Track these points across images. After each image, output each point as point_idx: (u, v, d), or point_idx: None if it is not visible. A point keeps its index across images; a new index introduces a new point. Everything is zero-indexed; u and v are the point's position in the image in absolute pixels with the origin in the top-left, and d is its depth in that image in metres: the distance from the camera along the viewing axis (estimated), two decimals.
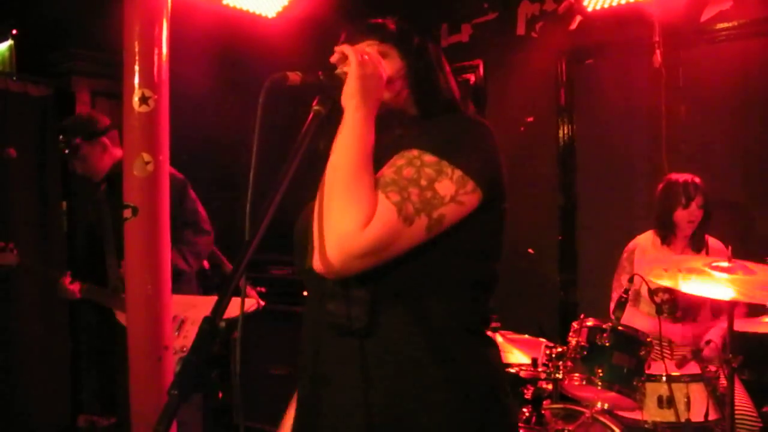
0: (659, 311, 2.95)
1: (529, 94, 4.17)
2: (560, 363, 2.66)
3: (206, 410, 3.10)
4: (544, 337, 2.93)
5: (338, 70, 1.26)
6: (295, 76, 1.19)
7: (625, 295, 2.68)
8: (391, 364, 1.25)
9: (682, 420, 2.55)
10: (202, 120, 4.43)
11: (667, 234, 3.10)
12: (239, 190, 4.61)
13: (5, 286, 3.94)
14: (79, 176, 3.21)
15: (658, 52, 3.56)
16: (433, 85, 1.39)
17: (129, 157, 2.25)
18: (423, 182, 1.19)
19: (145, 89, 2.22)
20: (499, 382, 1.35)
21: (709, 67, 3.61)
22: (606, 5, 3.53)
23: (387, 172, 1.22)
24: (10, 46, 4.37)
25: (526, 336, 3.06)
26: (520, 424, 2.61)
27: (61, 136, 3.08)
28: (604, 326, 2.57)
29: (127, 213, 2.24)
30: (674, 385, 2.58)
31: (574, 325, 2.70)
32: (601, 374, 2.52)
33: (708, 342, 2.85)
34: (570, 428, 2.63)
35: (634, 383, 2.52)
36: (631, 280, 2.72)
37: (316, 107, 1.21)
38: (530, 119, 4.18)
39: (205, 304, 2.91)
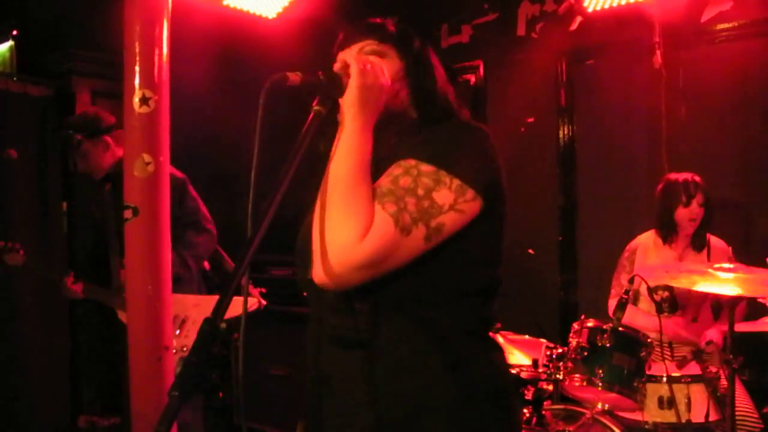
0: (659, 309, 2.95)
1: (530, 94, 4.18)
2: (561, 364, 2.66)
3: (207, 411, 3.10)
4: (544, 338, 2.93)
5: (339, 70, 1.26)
6: (295, 77, 1.19)
7: (625, 296, 2.68)
8: (396, 374, 1.24)
9: (683, 421, 2.54)
10: (202, 120, 4.43)
11: (668, 233, 3.10)
12: (239, 190, 4.60)
13: (5, 285, 3.94)
14: (79, 176, 3.21)
15: (658, 52, 3.56)
16: (432, 87, 1.39)
17: (129, 157, 2.25)
18: (420, 192, 1.18)
19: (146, 90, 2.22)
20: (505, 385, 1.35)
21: (710, 68, 3.61)
22: (606, 6, 3.53)
23: (383, 182, 1.21)
24: (10, 47, 4.37)
25: (527, 337, 3.06)
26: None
27: (65, 131, 3.08)
28: (604, 327, 2.57)
29: (128, 214, 2.24)
30: (675, 386, 2.58)
31: (575, 325, 2.70)
32: (601, 375, 2.52)
33: (709, 342, 2.85)
34: (570, 429, 2.63)
35: (635, 384, 2.52)
36: (631, 281, 2.72)
37: (316, 107, 1.21)
38: (530, 120, 4.18)
39: (207, 303, 2.91)
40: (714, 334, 2.89)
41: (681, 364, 2.71)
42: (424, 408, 1.24)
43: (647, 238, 3.19)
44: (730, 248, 3.10)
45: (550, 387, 2.78)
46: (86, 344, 4.33)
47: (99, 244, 3.16)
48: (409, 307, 1.25)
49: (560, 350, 2.71)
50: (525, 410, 2.72)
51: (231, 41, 4.24)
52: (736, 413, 2.47)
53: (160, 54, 2.26)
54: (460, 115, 1.41)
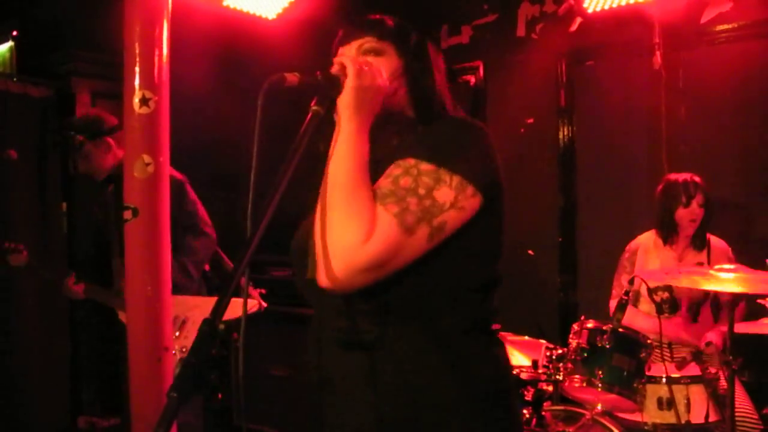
0: (659, 310, 2.95)
1: (530, 95, 4.18)
2: (560, 365, 2.66)
3: (206, 412, 3.10)
4: (544, 339, 2.93)
5: (336, 70, 1.26)
6: (292, 78, 1.19)
7: (625, 297, 2.68)
8: (398, 374, 1.24)
9: (683, 422, 2.55)
10: (202, 121, 4.43)
11: (668, 234, 3.10)
12: (239, 191, 4.61)
13: (6, 286, 3.95)
14: (80, 176, 3.22)
15: (658, 53, 3.56)
16: (430, 86, 1.39)
17: (129, 158, 2.25)
18: (421, 191, 1.18)
19: (146, 91, 2.22)
20: (506, 384, 1.35)
21: (709, 69, 3.61)
22: (606, 7, 3.53)
23: (384, 183, 1.21)
24: (10, 48, 4.38)
25: (527, 338, 3.06)
26: None
27: (66, 133, 3.08)
28: (604, 328, 2.57)
29: (127, 214, 2.24)
30: (674, 387, 2.58)
31: (575, 326, 2.70)
32: (601, 376, 2.52)
33: (708, 343, 2.85)
34: (570, 430, 2.63)
35: (635, 385, 2.52)
36: (631, 282, 2.72)
37: (314, 107, 1.20)
38: (530, 120, 4.18)
39: (207, 304, 2.91)
40: (713, 335, 2.89)
41: (680, 365, 2.71)
42: (424, 408, 1.24)
43: (647, 239, 3.19)
44: (730, 248, 3.10)
45: (550, 388, 2.78)
46: (86, 345, 4.33)
47: (101, 245, 3.16)
48: (411, 306, 1.25)
49: (560, 351, 2.71)
50: (525, 411, 2.72)
51: (231, 42, 4.24)
52: (736, 414, 2.47)
53: (160, 55, 2.26)
54: (457, 112, 1.41)
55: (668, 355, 2.99)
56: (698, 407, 2.56)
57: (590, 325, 2.63)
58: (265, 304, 3.07)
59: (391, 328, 1.24)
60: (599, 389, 2.52)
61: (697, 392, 2.60)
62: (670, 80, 3.64)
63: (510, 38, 4.20)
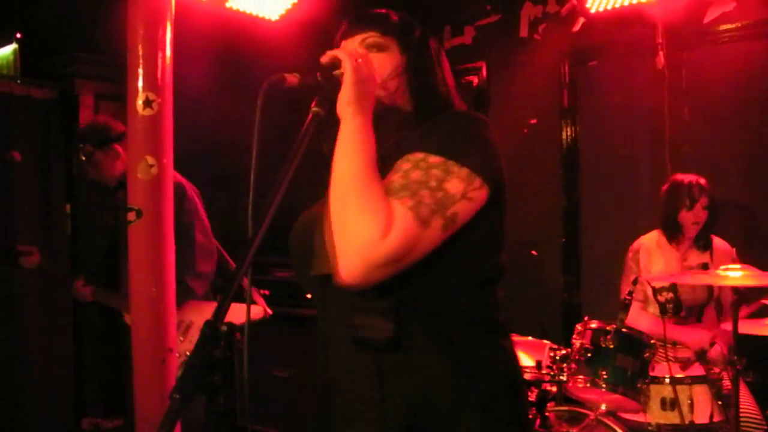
0: (663, 311, 2.95)
1: (532, 95, 4.17)
2: (564, 365, 2.66)
3: (209, 413, 3.10)
4: (547, 340, 2.92)
5: (336, 72, 1.26)
6: (292, 78, 1.19)
7: (629, 297, 2.67)
8: (407, 371, 1.25)
9: (686, 422, 2.54)
10: (205, 122, 4.44)
11: (672, 235, 3.10)
12: (241, 191, 4.61)
13: (9, 286, 3.96)
14: (87, 180, 3.22)
15: (661, 53, 3.55)
16: (431, 83, 1.39)
17: (133, 160, 2.26)
18: (432, 183, 1.19)
19: (149, 92, 2.22)
20: (513, 384, 1.36)
21: (712, 69, 3.61)
22: (609, 7, 3.53)
23: (395, 177, 1.21)
24: (14, 50, 4.38)
25: (530, 338, 3.06)
26: None
27: (76, 143, 3.10)
28: (607, 328, 2.57)
29: (131, 216, 2.24)
30: (678, 387, 2.57)
31: (578, 327, 2.70)
32: (605, 376, 2.51)
33: (712, 344, 2.84)
34: (574, 431, 2.62)
35: (638, 385, 2.51)
36: (635, 282, 2.71)
37: (314, 108, 1.21)
38: (533, 121, 4.18)
39: (212, 309, 2.90)
40: (718, 335, 2.89)
41: (684, 365, 2.70)
42: (432, 406, 1.24)
43: (650, 239, 3.18)
44: (734, 250, 3.09)
45: (554, 388, 2.78)
46: (90, 346, 4.34)
47: (112, 249, 3.16)
48: (423, 300, 1.26)
49: (564, 352, 2.71)
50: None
51: (233, 43, 4.25)
52: (740, 414, 2.46)
53: (164, 56, 2.26)
54: (460, 106, 1.41)
55: (672, 355, 2.99)
56: (702, 407, 2.56)
57: (594, 325, 2.63)
58: (270, 311, 3.05)
59: (405, 324, 1.24)
60: (603, 389, 2.52)
61: (701, 392, 2.59)
62: (673, 80, 3.64)
63: (513, 39, 4.19)
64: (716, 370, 2.65)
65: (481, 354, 1.30)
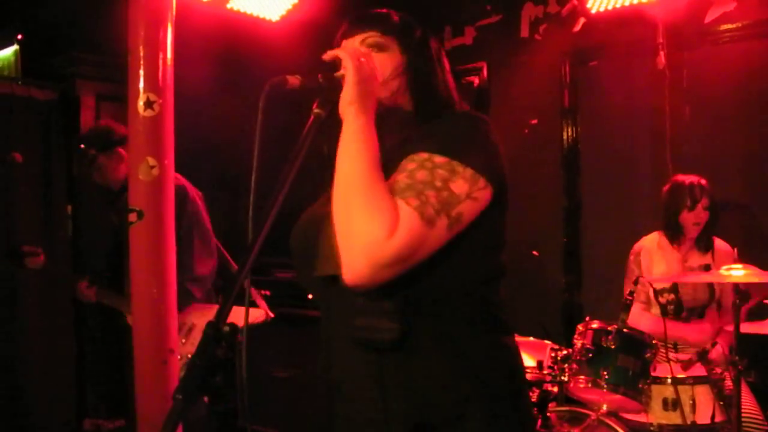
0: (664, 312, 2.95)
1: (533, 96, 4.17)
2: (565, 365, 2.66)
3: (211, 414, 3.10)
4: (549, 340, 2.92)
5: (337, 73, 1.26)
6: (294, 80, 1.19)
7: (630, 297, 2.67)
8: (417, 370, 1.25)
9: (688, 422, 2.54)
10: (206, 123, 4.44)
11: (673, 235, 3.10)
12: (243, 192, 4.61)
13: (11, 287, 3.96)
14: (87, 181, 3.22)
15: (661, 53, 3.55)
16: (432, 84, 1.39)
17: (134, 161, 2.26)
18: (438, 183, 1.19)
19: (150, 93, 2.22)
20: (520, 378, 1.37)
21: (713, 69, 3.60)
22: (609, 7, 3.53)
23: (400, 177, 1.21)
24: (15, 51, 4.39)
25: (531, 338, 3.06)
26: None
27: (79, 148, 3.10)
28: (609, 328, 2.57)
29: (132, 217, 2.24)
30: (680, 388, 2.57)
31: (579, 327, 2.70)
32: (606, 377, 2.51)
33: (714, 344, 2.84)
34: (575, 431, 2.62)
35: (640, 385, 2.51)
36: (636, 282, 2.71)
37: (316, 110, 1.21)
38: (534, 121, 4.18)
39: (214, 311, 2.90)
40: (719, 335, 2.89)
41: (686, 365, 2.70)
42: (434, 406, 1.24)
43: (651, 241, 3.18)
44: (735, 250, 3.09)
45: (555, 389, 2.78)
46: (91, 347, 4.34)
47: (116, 250, 3.16)
48: (427, 300, 1.26)
49: (565, 352, 2.71)
50: None
51: (234, 44, 4.25)
52: (742, 415, 2.46)
53: (165, 57, 2.26)
54: (461, 106, 1.42)
55: (674, 355, 2.99)
56: (704, 408, 2.56)
57: (595, 325, 2.62)
58: (272, 315, 3.04)
59: (408, 324, 1.24)
60: (604, 390, 2.52)
61: (703, 393, 2.59)
62: (674, 80, 3.64)
63: (513, 39, 4.19)
64: (718, 370, 2.64)
65: (483, 353, 1.30)
